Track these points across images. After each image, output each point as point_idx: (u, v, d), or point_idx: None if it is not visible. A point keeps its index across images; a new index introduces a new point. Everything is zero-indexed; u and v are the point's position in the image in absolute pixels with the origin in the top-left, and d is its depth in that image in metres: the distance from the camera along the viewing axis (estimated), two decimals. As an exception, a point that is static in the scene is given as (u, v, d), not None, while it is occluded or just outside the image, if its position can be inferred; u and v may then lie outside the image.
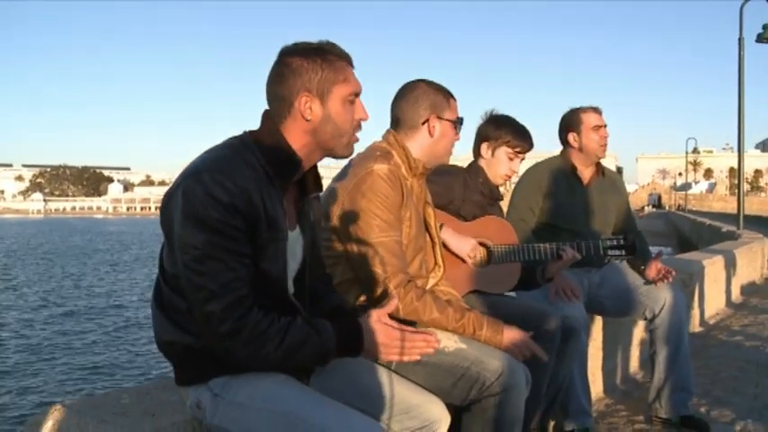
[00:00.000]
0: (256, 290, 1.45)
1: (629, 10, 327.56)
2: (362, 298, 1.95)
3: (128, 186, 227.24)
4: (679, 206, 70.99)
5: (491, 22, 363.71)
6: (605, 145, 3.15)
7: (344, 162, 1.99)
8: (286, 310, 1.53)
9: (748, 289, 8.25)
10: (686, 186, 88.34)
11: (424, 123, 2.10)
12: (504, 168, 2.69)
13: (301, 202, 1.63)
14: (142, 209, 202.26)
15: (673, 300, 3.04)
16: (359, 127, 1.60)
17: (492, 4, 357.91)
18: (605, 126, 3.14)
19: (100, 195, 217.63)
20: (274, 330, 1.42)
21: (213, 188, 1.38)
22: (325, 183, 1.82)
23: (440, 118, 2.10)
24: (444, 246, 2.36)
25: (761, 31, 13.30)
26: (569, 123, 3.16)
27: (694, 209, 62.07)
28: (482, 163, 2.72)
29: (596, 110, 3.15)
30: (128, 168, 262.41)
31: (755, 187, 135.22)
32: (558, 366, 2.52)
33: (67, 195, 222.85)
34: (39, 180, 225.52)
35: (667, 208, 75.45)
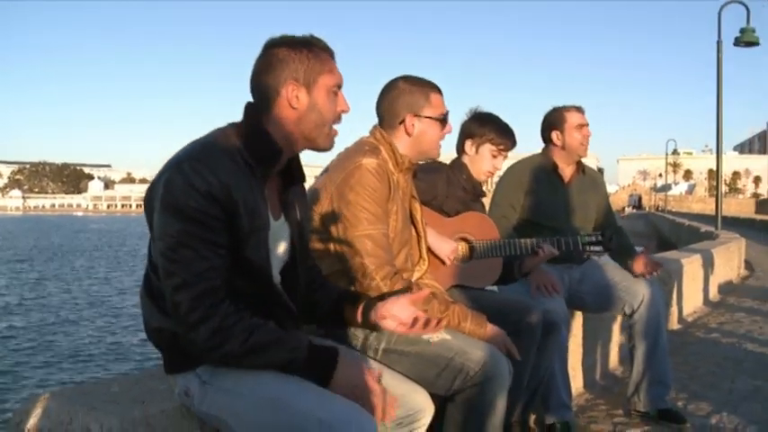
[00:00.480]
0: (239, 280, 1.48)
1: (610, 12, 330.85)
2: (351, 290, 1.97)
3: (108, 184, 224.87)
4: (658, 207, 71.83)
5: (474, 23, 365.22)
6: (587, 144, 3.22)
7: (328, 158, 2.03)
8: (271, 300, 1.55)
9: (725, 288, 8.39)
10: (666, 188, 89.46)
11: (401, 123, 2.12)
12: (488, 165, 2.73)
13: (285, 193, 1.65)
14: (123, 206, 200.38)
15: (651, 295, 3.11)
16: (339, 119, 1.63)
17: (475, 5, 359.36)
18: (587, 125, 3.20)
19: (80, 193, 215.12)
20: (240, 328, 1.43)
21: (192, 177, 1.40)
22: (310, 180, 1.86)
23: (418, 116, 2.12)
24: None
25: (738, 34, 13.53)
26: (553, 122, 3.21)
27: (674, 210, 62.82)
28: (465, 160, 2.77)
29: (579, 109, 3.21)
30: (108, 166, 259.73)
31: (734, 189, 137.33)
32: (539, 360, 2.56)
33: (47, 192, 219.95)
34: (17, 177, 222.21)
35: (647, 209, 76.28)
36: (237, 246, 1.47)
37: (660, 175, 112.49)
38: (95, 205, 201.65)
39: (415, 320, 1.63)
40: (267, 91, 1.55)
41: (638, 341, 3.15)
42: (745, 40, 13.35)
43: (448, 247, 2.47)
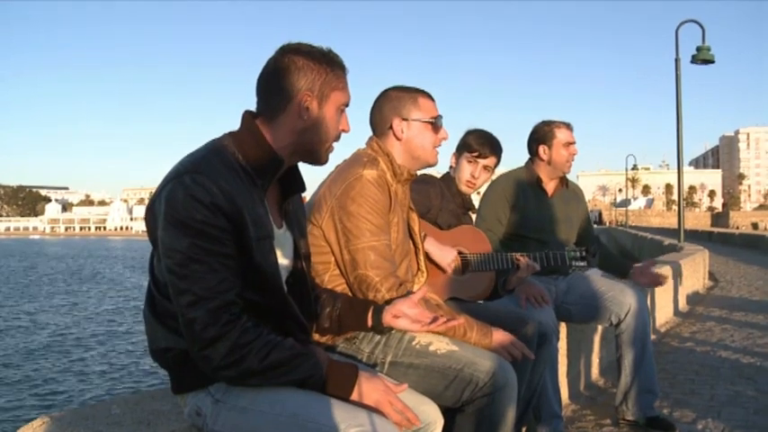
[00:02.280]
0: (249, 291, 1.45)
1: (568, 28, 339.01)
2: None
3: (66, 206, 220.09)
4: (618, 222, 73.32)
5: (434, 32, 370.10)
6: (572, 161, 3.26)
7: (323, 171, 2.02)
8: (283, 311, 1.53)
9: (693, 298, 8.58)
10: (626, 203, 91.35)
11: (390, 127, 2.12)
12: (465, 174, 2.77)
13: (285, 202, 1.64)
14: (81, 229, 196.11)
15: (638, 304, 3.16)
16: (339, 138, 1.62)
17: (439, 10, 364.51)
18: (575, 143, 3.24)
19: (37, 215, 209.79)
20: (260, 344, 1.40)
21: (194, 190, 1.37)
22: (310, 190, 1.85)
23: (405, 119, 2.11)
24: (426, 255, 2.39)
25: (695, 52, 13.99)
26: (541, 136, 3.25)
27: (634, 224, 64.18)
28: (452, 172, 2.82)
29: (569, 126, 3.25)
30: (66, 188, 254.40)
31: (690, 203, 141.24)
32: (533, 372, 2.57)
33: (1, 215, 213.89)
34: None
35: (608, 224, 77.77)
36: (246, 255, 1.44)
37: (620, 190, 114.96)
38: (53, 228, 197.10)
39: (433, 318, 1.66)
40: (280, 96, 1.53)
41: (626, 350, 3.19)
42: (702, 58, 13.79)
43: (449, 256, 2.48)
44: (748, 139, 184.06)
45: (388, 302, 1.80)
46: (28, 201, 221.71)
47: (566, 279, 3.31)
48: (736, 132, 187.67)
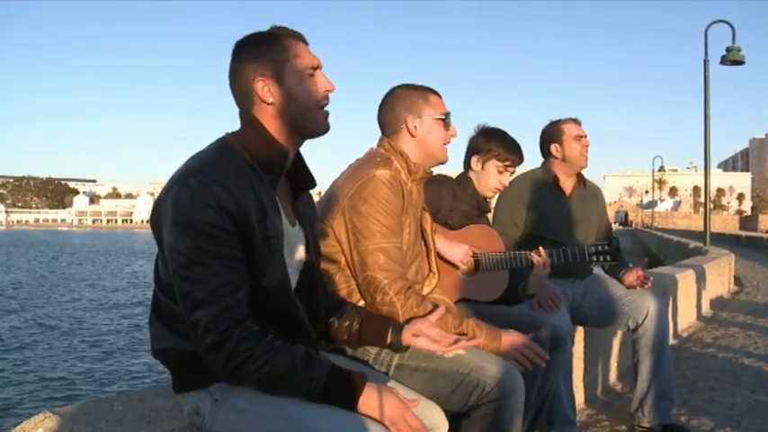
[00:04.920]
0: (255, 291, 1.43)
1: (597, 29, 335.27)
2: (361, 304, 1.93)
3: (94, 199, 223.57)
4: (644, 224, 72.34)
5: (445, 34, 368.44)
6: (587, 154, 3.21)
7: (334, 170, 1.99)
8: (288, 312, 1.51)
9: (717, 303, 8.41)
10: (652, 204, 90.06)
11: (403, 125, 2.09)
12: (494, 182, 2.72)
13: (297, 200, 1.62)
14: (108, 221, 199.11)
15: (656, 309, 3.09)
16: (326, 99, 1.56)
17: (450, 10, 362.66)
18: (585, 136, 3.19)
19: (65, 208, 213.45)
20: (260, 351, 1.37)
21: (200, 192, 1.36)
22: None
23: (419, 116, 2.08)
24: (437, 255, 2.36)
25: (724, 53, 13.72)
26: (551, 135, 3.21)
27: (660, 226, 63.29)
28: (471, 175, 2.75)
29: (576, 121, 3.22)
30: (94, 180, 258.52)
31: (718, 206, 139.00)
32: (545, 376, 2.52)
33: (30, 207, 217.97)
34: (0, 191, 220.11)
35: (634, 225, 76.79)
36: (251, 257, 1.42)
37: (647, 191, 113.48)
38: (80, 220, 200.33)
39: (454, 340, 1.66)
40: (240, 96, 1.52)
41: (643, 356, 3.12)
42: (731, 58, 13.52)
43: (460, 251, 2.44)
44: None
45: (408, 321, 1.78)
46: (56, 193, 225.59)
47: (583, 282, 3.26)
48: (767, 135, 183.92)
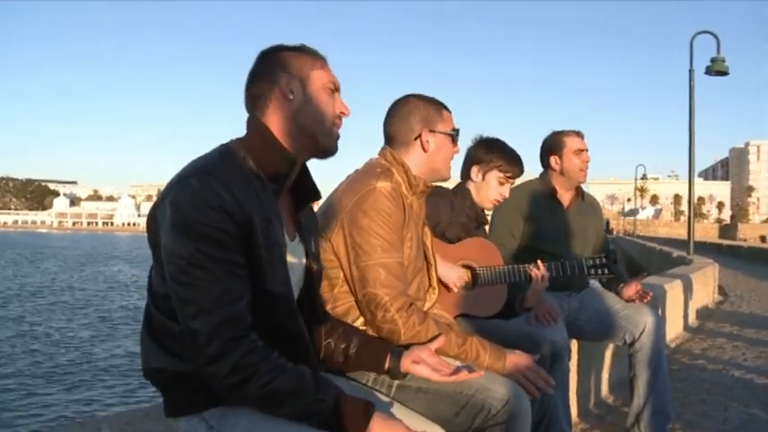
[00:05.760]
0: (256, 304, 1.35)
1: (582, 37, 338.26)
2: (360, 321, 1.86)
3: (74, 201, 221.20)
4: (626, 231, 72.95)
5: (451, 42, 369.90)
6: (586, 169, 3.17)
7: (332, 181, 1.93)
8: (291, 328, 1.43)
9: (703, 313, 8.44)
10: (634, 212, 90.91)
11: (416, 139, 2.02)
12: (494, 193, 2.66)
13: (298, 213, 1.55)
14: (89, 224, 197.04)
15: (653, 323, 3.05)
16: (340, 120, 1.53)
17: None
18: (587, 150, 3.15)
19: (44, 209, 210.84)
20: (267, 366, 1.29)
21: (203, 192, 1.28)
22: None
23: (432, 131, 2.03)
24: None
25: (709, 63, 13.85)
26: (552, 147, 3.16)
27: (641, 234, 63.85)
28: (470, 186, 2.69)
29: (579, 134, 3.17)
30: (74, 182, 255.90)
31: (698, 214, 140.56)
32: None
33: (10, 209, 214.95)
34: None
35: (616, 233, 77.42)
36: (254, 265, 1.34)
37: (629, 199, 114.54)
38: (60, 222, 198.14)
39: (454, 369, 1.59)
40: (261, 89, 1.47)
41: (640, 370, 3.08)
42: (716, 69, 13.65)
43: (455, 274, 2.38)
44: (758, 151, 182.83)
45: (407, 347, 1.71)
46: (36, 194, 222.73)
47: (578, 296, 3.21)
48: (747, 144, 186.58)
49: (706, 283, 9.51)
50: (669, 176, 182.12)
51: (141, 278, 34.73)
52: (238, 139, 1.46)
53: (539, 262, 2.58)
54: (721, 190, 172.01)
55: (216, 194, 1.28)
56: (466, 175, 2.70)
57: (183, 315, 1.29)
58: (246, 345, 1.28)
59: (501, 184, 2.65)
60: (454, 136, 2.07)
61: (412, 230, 1.94)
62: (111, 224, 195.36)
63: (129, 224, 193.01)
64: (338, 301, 1.86)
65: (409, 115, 2.04)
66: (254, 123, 1.46)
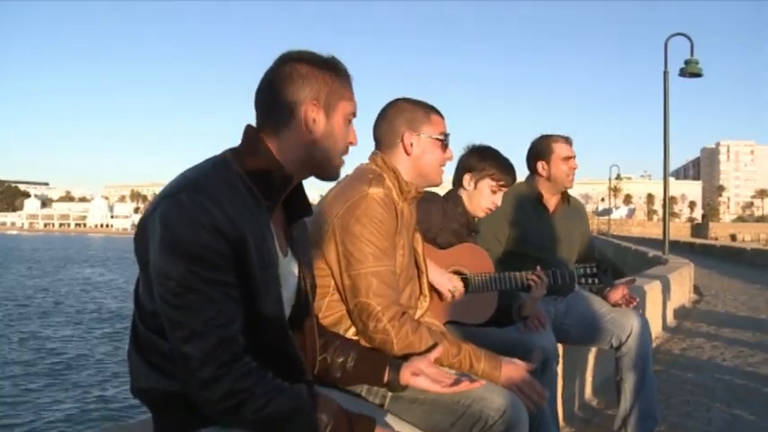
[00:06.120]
0: (248, 325, 1.30)
1: (555, 39, 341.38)
2: (352, 331, 1.81)
3: (46, 202, 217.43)
4: (600, 231, 73.77)
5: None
6: (573, 176, 3.16)
7: (327, 185, 1.87)
8: (283, 348, 1.38)
9: (680, 313, 8.54)
10: (608, 212, 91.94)
11: (399, 140, 1.99)
12: (486, 201, 2.63)
13: (290, 228, 1.50)
14: (61, 225, 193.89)
15: (639, 327, 3.06)
16: (347, 150, 1.50)
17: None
18: (574, 157, 3.14)
19: (15, 211, 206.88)
20: (262, 389, 1.24)
21: (193, 210, 1.22)
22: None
23: (417, 134, 1.99)
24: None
25: (683, 65, 14.05)
26: (540, 152, 3.15)
27: (615, 233, 64.60)
28: (462, 194, 2.66)
29: (567, 140, 3.16)
30: (46, 183, 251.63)
31: (670, 213, 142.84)
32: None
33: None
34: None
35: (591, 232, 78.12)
36: (247, 286, 1.29)
37: (603, 199, 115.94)
38: (31, 224, 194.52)
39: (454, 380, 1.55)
40: (282, 107, 1.39)
41: (627, 374, 3.07)
42: (690, 71, 13.86)
43: (448, 281, 2.34)
44: (728, 151, 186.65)
45: (405, 358, 1.68)
46: (6, 196, 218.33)
47: (565, 300, 3.20)
48: (717, 145, 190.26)
49: (682, 283, 9.63)
50: (642, 176, 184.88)
51: (117, 281, 34.25)
52: (233, 151, 1.40)
53: (538, 269, 2.56)
54: (693, 189, 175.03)
55: (207, 212, 1.23)
56: (458, 182, 2.67)
57: (174, 338, 1.23)
58: (240, 368, 1.23)
59: (493, 192, 2.62)
60: (443, 140, 2.02)
61: (404, 237, 1.90)
62: (84, 225, 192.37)
63: (102, 225, 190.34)
64: (329, 310, 1.82)
65: (394, 118, 2.01)
66: (254, 139, 1.40)
